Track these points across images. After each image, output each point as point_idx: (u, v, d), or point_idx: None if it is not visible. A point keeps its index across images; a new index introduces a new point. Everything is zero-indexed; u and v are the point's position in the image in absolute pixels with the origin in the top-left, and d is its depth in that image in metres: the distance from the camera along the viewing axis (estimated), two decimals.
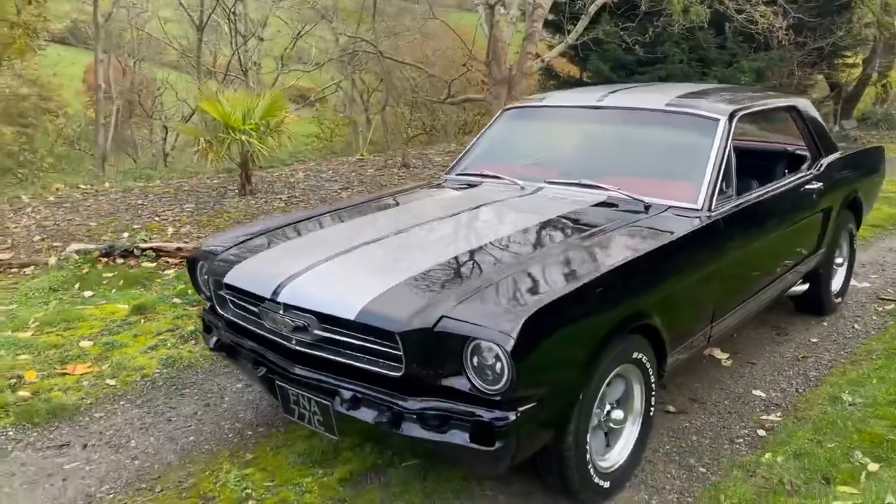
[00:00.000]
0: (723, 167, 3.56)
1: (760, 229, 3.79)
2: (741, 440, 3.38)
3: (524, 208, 3.51)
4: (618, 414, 2.91)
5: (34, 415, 3.55)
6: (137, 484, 3.04)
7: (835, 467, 2.98)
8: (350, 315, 2.52)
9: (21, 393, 3.77)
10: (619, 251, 2.95)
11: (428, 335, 2.42)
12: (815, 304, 4.82)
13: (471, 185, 3.96)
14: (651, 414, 3.07)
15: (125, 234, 6.64)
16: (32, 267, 6.05)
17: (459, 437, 2.44)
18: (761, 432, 3.43)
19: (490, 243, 3.00)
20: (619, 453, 2.99)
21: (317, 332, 2.67)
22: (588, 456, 2.74)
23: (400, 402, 2.52)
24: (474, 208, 3.51)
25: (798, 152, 4.71)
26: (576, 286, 2.58)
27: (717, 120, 3.68)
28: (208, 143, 7.47)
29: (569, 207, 3.45)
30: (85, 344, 4.38)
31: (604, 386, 2.77)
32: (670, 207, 3.41)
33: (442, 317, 2.42)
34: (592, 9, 12.80)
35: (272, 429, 3.45)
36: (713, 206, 3.43)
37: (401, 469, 3.04)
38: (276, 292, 2.72)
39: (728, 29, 15.60)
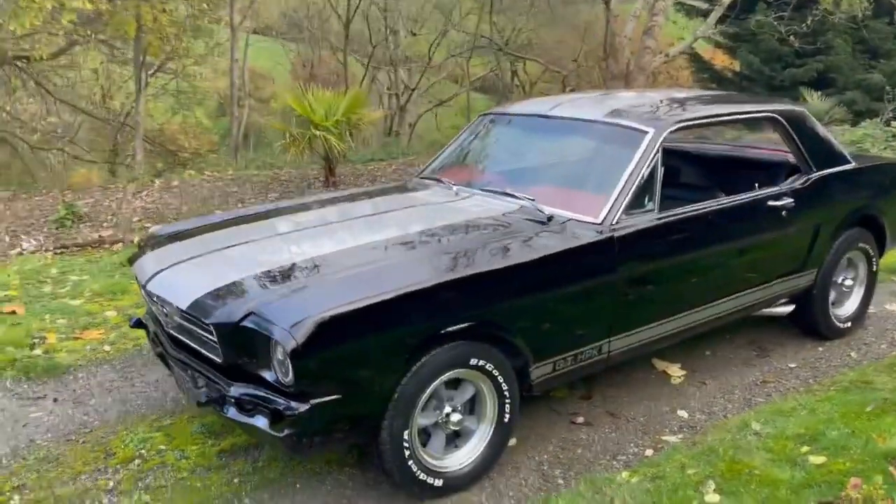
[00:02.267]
0: (640, 181, 3.51)
1: (687, 246, 3.69)
2: (623, 458, 3.36)
3: (434, 214, 3.67)
4: (457, 417, 3.05)
5: (31, 370, 4.23)
6: (72, 436, 3.58)
7: (675, 494, 2.92)
8: (183, 305, 2.88)
9: (36, 351, 4.48)
10: (476, 261, 3.07)
11: (237, 328, 2.72)
12: (809, 327, 4.53)
13: (419, 188, 4.16)
14: (506, 421, 3.16)
15: None
16: (121, 244, 6.96)
17: (262, 422, 2.73)
18: (649, 452, 3.39)
19: (358, 246, 3.22)
20: (466, 455, 3.12)
21: (176, 318, 3.05)
22: (409, 453, 2.90)
23: (225, 386, 2.84)
24: (387, 212, 3.73)
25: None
26: (387, 296, 2.75)
27: (645, 133, 3.63)
28: (293, 137, 8.11)
29: (475, 215, 3.58)
30: (110, 314, 5.07)
31: (429, 390, 2.91)
32: (570, 220, 3.44)
33: (250, 313, 2.72)
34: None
35: None
36: (617, 221, 3.41)
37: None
38: (146, 282, 3.14)
39: None
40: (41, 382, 4.15)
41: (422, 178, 4.38)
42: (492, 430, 3.15)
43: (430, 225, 3.47)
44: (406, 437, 2.88)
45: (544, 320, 3.22)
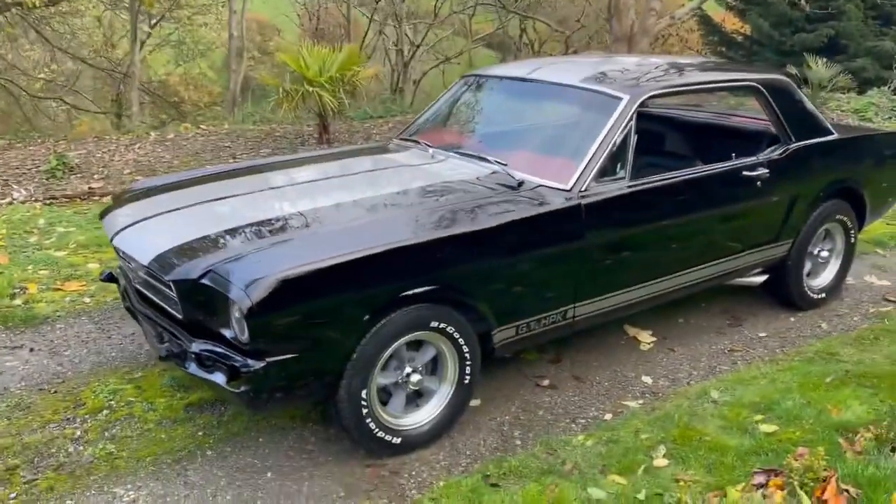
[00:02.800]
0: (612, 149, 3.51)
1: (657, 215, 3.70)
2: (582, 421, 3.42)
3: (405, 176, 3.69)
4: (416, 377, 3.10)
5: (10, 319, 4.29)
6: (45, 385, 3.65)
7: (625, 458, 2.98)
8: (145, 261, 2.92)
9: (16, 301, 4.54)
10: (439, 225, 3.09)
11: (196, 286, 2.76)
12: (783, 297, 4.56)
13: (397, 150, 4.16)
14: (467, 382, 3.21)
15: None
16: (110, 196, 6.98)
17: (220, 378, 2.78)
18: (608, 416, 3.45)
19: (323, 207, 3.24)
20: (426, 414, 3.18)
21: (141, 274, 3.09)
22: (367, 411, 2.96)
23: (186, 342, 2.89)
24: (357, 173, 3.74)
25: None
26: (346, 258, 2.77)
27: (620, 99, 3.61)
28: (286, 93, 8.07)
29: (445, 178, 3.59)
30: (92, 266, 5.12)
31: (389, 350, 2.96)
32: (540, 186, 3.45)
33: (209, 271, 2.75)
34: None
35: None
36: (587, 188, 3.42)
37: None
38: (113, 237, 3.17)
39: None
40: (19, 332, 4.22)
41: (401, 139, 4.37)
42: (452, 390, 3.21)
43: (399, 188, 3.49)
44: (364, 395, 2.93)
45: (508, 285, 3.25)
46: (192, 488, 2.91)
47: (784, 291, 4.52)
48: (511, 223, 3.20)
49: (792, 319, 4.51)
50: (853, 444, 2.90)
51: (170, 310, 2.99)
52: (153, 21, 15.52)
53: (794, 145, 4.21)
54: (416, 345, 3.12)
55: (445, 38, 19.71)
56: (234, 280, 2.66)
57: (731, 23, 19.76)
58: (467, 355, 3.17)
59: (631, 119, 3.58)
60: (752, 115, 4.79)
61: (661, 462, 2.93)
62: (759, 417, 3.23)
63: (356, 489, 2.92)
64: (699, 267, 3.95)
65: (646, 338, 4.23)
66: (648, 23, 11.69)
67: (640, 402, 3.57)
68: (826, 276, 4.70)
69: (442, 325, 3.06)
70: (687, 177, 3.81)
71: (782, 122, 4.19)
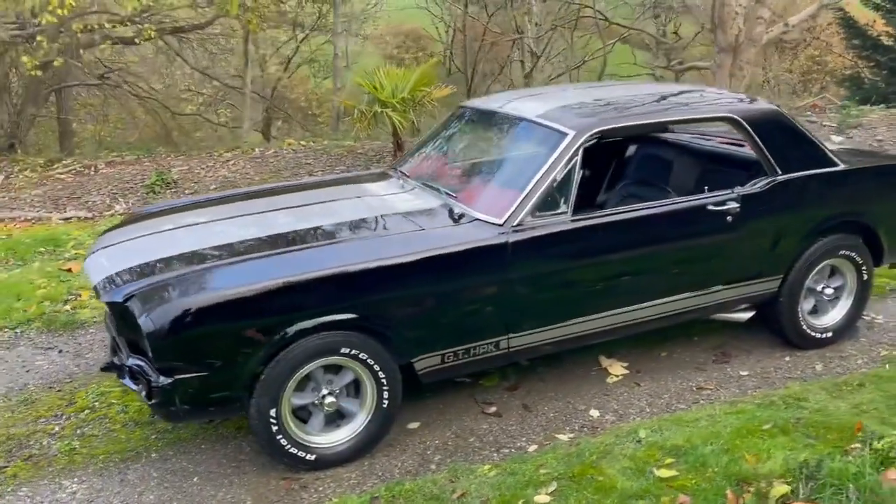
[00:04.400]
0: (554, 184, 3.57)
1: (601, 250, 3.70)
2: (506, 451, 3.50)
3: (361, 207, 3.89)
4: (330, 400, 3.32)
5: (54, 323, 4.93)
6: (55, 384, 4.20)
7: (511, 490, 3.04)
8: (94, 282, 3.34)
9: (65, 307, 5.20)
10: (355, 256, 3.31)
11: (122, 307, 3.14)
12: (780, 335, 4.36)
13: (377, 179, 4.40)
14: (385, 407, 3.39)
15: None
16: None
17: (142, 391, 3.15)
18: (532, 448, 3.50)
19: (259, 238, 3.51)
20: (345, 435, 3.40)
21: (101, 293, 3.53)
22: (277, 429, 3.21)
23: (125, 356, 3.28)
24: (319, 203, 4.00)
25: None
26: (245, 292, 3.06)
27: (565, 134, 3.66)
28: (360, 113, 8.51)
29: (398, 210, 3.78)
30: None
31: (299, 373, 3.20)
32: (476, 220, 3.58)
33: (132, 295, 3.12)
34: None
35: None
36: (522, 222, 3.50)
37: None
38: (86, 259, 3.64)
39: None
40: (58, 335, 4.83)
41: (394, 167, 4.60)
42: (370, 414, 3.40)
43: (344, 219, 3.72)
44: (273, 413, 3.19)
45: (427, 316, 3.40)
46: (126, 486, 3.29)
47: (777, 329, 4.34)
48: (429, 257, 3.35)
49: (787, 359, 4.31)
50: (738, 498, 2.81)
51: (113, 326, 3.40)
52: (302, 36, 16.59)
53: (780, 178, 4.03)
54: (337, 368, 3.35)
55: (582, 39, 19.28)
56: (142, 306, 3.02)
57: (881, 25, 18.30)
58: (384, 381, 3.36)
59: (576, 155, 3.62)
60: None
61: (542, 499, 2.98)
62: (669, 461, 3.18)
63: (263, 499, 3.19)
64: (657, 302, 3.89)
65: (618, 370, 4.21)
66: (756, 32, 11.16)
67: (571, 435, 3.60)
68: (834, 315, 4.44)
69: (354, 352, 3.26)
70: (637, 213, 3.78)
71: (766, 154, 4.02)
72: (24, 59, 9.17)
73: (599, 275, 3.75)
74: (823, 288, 4.36)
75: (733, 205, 3.89)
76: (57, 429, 3.73)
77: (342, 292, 3.23)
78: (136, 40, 10.64)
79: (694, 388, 4.02)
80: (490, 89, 19.56)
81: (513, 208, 3.52)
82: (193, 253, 3.39)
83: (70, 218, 7.97)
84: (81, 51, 12.13)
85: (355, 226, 3.65)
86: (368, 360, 3.30)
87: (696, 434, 3.40)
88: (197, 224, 3.78)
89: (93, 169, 10.10)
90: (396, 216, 3.71)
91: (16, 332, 4.85)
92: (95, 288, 3.36)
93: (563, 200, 3.61)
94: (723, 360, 4.33)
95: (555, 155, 3.61)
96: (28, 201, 8.88)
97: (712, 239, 3.93)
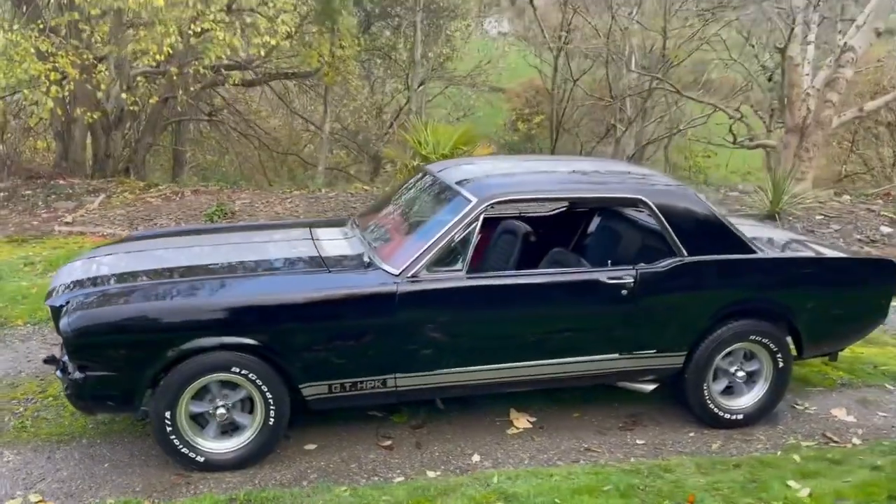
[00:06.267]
0: (451, 244, 3.98)
1: (489, 308, 4.05)
2: (375, 479, 3.87)
3: (291, 249, 4.43)
4: (222, 411, 3.83)
5: None
6: (41, 373, 4.90)
7: None
8: (50, 288, 4.03)
9: None
10: (248, 289, 3.87)
11: (56, 312, 3.80)
12: (690, 411, 4.51)
13: (329, 226, 4.95)
14: (272, 424, 3.87)
15: None
16: None
17: (64, 383, 3.77)
18: (398, 479, 3.86)
19: (186, 266, 4.13)
20: (234, 444, 3.89)
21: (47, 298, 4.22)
22: (171, 430, 3.73)
23: (63, 353, 3.93)
24: (259, 242, 4.58)
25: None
26: (142, 313, 3.67)
27: (469, 201, 4.08)
28: (403, 165, 9.14)
29: (324, 253, 4.29)
30: None
31: (194, 385, 3.73)
32: (379, 269, 4.03)
33: (67, 302, 3.77)
34: None
35: None
36: (415, 275, 3.92)
37: None
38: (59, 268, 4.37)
39: None
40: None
41: (354, 216, 5.13)
42: (258, 429, 3.88)
43: (271, 256, 4.28)
44: (168, 416, 3.72)
45: (316, 348, 3.86)
46: (50, 462, 3.91)
47: (684, 403, 4.49)
48: (322, 297, 3.84)
49: (691, 434, 4.46)
50: None
51: None
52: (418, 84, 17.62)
53: (685, 259, 4.25)
54: (234, 385, 3.86)
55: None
56: (68, 313, 3.66)
57: None
58: (271, 401, 3.84)
59: (475, 220, 4.02)
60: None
61: None
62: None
63: (149, 488, 3.72)
64: (547, 362, 4.16)
65: (522, 423, 4.50)
66: (823, 115, 11.05)
67: (438, 473, 3.93)
68: (749, 398, 4.54)
69: (244, 372, 3.77)
70: (529, 280, 4.12)
71: (672, 235, 4.25)
72: (124, 95, 10.36)
73: (489, 331, 4.09)
74: (736, 370, 4.49)
75: (628, 280, 4.14)
76: (21, 409, 4.42)
77: (240, 319, 3.75)
78: (227, 80, 11.66)
79: (582, 449, 4.25)
80: (582, 150, 19.97)
81: (409, 261, 3.95)
82: (129, 273, 4.04)
83: None
84: (193, 88, 13.45)
85: (273, 264, 4.20)
86: (257, 381, 3.79)
87: (540, 487, 3.66)
88: (150, 250, 4.45)
89: (179, 195, 11.25)
90: (315, 258, 4.21)
91: (34, 328, 5.67)
92: (48, 293, 4.05)
93: (460, 259, 4.00)
94: (628, 427, 4.53)
95: (456, 218, 4.03)
96: (111, 219, 10.03)
97: (606, 310, 4.18)
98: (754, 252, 4.40)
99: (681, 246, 4.26)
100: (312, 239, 4.58)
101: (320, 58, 10.81)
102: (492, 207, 4.09)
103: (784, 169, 10.65)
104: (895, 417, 4.77)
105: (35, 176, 13.04)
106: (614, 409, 4.72)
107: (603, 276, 4.16)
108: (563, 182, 4.45)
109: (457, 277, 3.99)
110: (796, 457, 4.10)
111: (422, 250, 3.97)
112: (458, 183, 4.29)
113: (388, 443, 4.24)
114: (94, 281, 3.99)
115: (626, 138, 19.14)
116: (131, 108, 10.71)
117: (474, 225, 4.01)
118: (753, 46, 14.70)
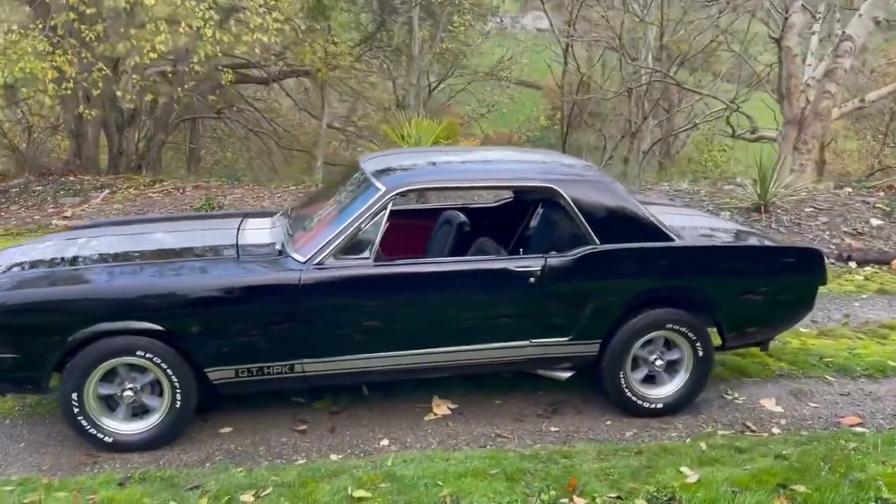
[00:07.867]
0: (358, 232, 4.05)
1: (397, 294, 4.10)
2: (277, 462, 3.96)
3: (213, 237, 4.55)
4: (129, 394, 3.95)
5: None
6: None
7: (219, 487, 3.53)
8: None
9: None
10: (167, 274, 3.98)
11: None
12: (608, 399, 4.52)
13: (260, 216, 5.06)
14: (178, 407, 3.97)
15: None
16: None
17: None
18: (301, 461, 3.94)
19: (107, 253, 4.29)
20: (143, 426, 4.00)
21: None
22: (78, 411, 3.84)
23: None
24: (189, 231, 4.71)
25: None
26: (46, 297, 3.83)
27: (378, 190, 4.14)
28: None
29: (244, 241, 4.41)
30: None
31: (100, 367, 3.84)
32: (289, 256, 4.12)
33: None
34: None
35: None
36: (323, 263, 4.00)
37: None
38: None
39: None
40: None
41: (292, 206, 5.23)
42: (166, 412, 4.00)
43: (189, 244, 4.41)
44: (75, 397, 3.85)
45: (221, 333, 3.96)
46: None
47: (602, 391, 4.50)
48: (226, 285, 3.94)
49: (608, 422, 4.45)
50: None
51: None
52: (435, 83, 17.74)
53: (597, 248, 4.25)
54: (143, 368, 3.97)
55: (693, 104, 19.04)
56: None
57: None
58: (177, 385, 3.95)
59: (383, 208, 4.08)
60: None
61: (248, 498, 3.42)
62: (382, 486, 3.52)
63: (57, 467, 3.86)
64: (457, 349, 4.20)
65: (442, 410, 4.54)
66: (822, 106, 10.83)
67: (341, 456, 4.00)
68: (670, 388, 4.52)
69: (148, 356, 3.88)
70: (437, 268, 4.18)
71: (584, 224, 4.26)
72: (119, 92, 10.63)
73: (398, 318, 4.13)
74: (655, 359, 4.47)
75: (536, 268, 4.16)
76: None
77: (144, 305, 3.87)
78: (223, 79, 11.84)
79: (493, 436, 4.28)
80: (606, 145, 19.83)
81: (316, 249, 4.03)
82: (49, 260, 4.19)
83: None
84: (188, 85, 13.66)
85: (193, 251, 4.31)
86: (163, 365, 3.90)
87: (429, 469, 3.71)
88: (80, 240, 4.59)
89: (181, 190, 11.50)
90: (231, 247, 4.32)
91: None
92: None
93: (368, 247, 4.07)
94: (547, 415, 4.54)
95: (364, 206, 4.09)
96: (108, 213, 10.31)
97: (513, 297, 4.20)
98: (671, 240, 4.38)
99: (593, 234, 4.27)
100: (238, 229, 4.68)
101: (314, 55, 10.95)
102: (401, 196, 4.15)
103: (781, 161, 10.46)
104: (825, 408, 4.70)
105: (48, 172, 13.45)
106: (538, 396, 4.73)
107: (511, 264, 4.19)
108: (475, 171, 4.49)
109: (364, 265, 4.05)
110: (703, 445, 4.07)
111: (328, 238, 4.05)
112: (374, 174, 4.35)
113: (304, 427, 4.32)
114: (18, 267, 4.15)
115: (643, 132, 18.97)
116: (129, 105, 10.96)
117: (382, 213, 4.07)
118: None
